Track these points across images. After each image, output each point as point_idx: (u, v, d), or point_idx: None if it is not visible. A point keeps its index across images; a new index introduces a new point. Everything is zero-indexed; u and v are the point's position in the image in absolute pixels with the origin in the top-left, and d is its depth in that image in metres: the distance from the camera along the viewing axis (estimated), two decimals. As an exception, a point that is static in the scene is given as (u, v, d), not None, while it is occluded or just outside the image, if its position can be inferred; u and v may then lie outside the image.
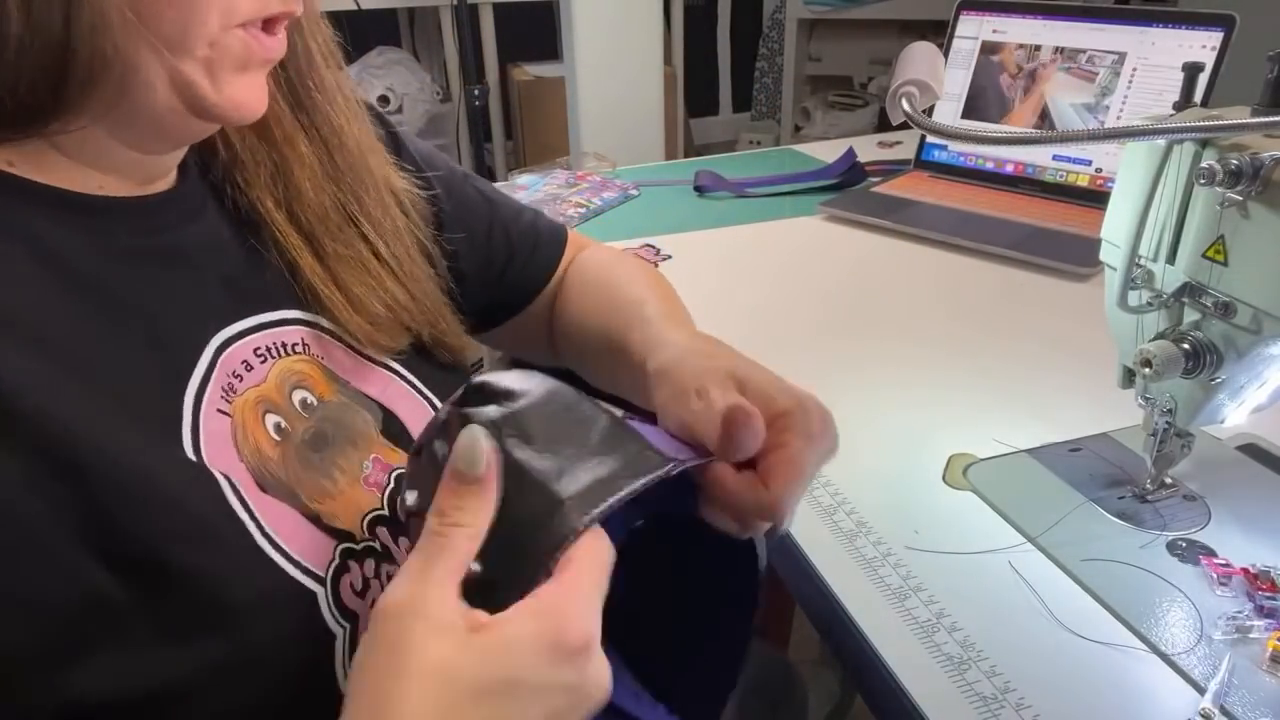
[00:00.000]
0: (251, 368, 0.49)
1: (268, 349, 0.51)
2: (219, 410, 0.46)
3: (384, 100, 2.80)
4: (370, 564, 0.48)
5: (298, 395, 0.50)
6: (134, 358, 0.43)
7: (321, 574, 0.45)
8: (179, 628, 0.39)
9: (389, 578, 0.43)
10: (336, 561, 0.46)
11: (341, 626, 0.45)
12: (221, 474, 0.43)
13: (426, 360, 0.59)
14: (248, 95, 0.45)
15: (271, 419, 0.49)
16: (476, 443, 0.37)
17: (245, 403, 0.48)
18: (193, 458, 0.43)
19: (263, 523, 0.44)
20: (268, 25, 0.45)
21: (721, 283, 0.98)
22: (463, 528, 0.36)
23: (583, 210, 1.26)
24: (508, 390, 0.41)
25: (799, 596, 0.59)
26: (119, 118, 0.43)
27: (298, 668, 0.43)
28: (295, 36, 0.53)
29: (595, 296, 0.69)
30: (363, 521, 0.49)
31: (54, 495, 0.37)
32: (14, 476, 0.36)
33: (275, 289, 0.52)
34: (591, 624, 0.35)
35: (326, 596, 0.45)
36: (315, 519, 0.46)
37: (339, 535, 0.47)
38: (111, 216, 0.46)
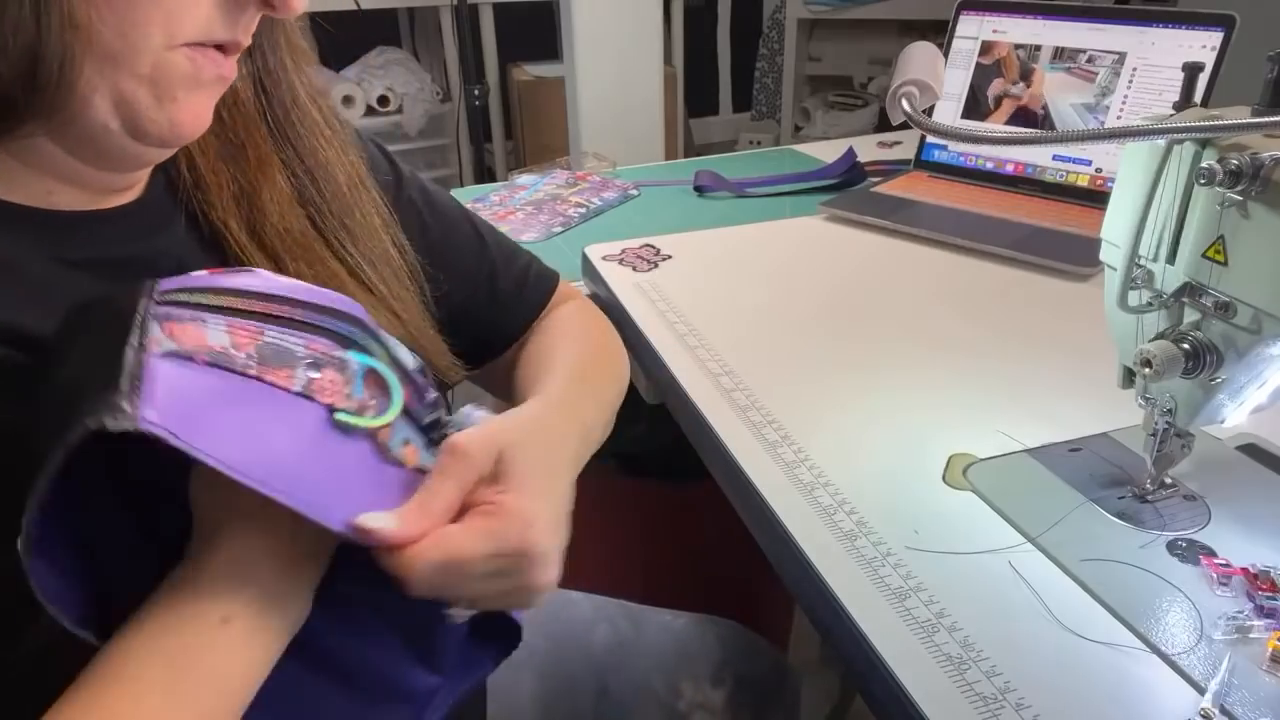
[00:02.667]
0: None
1: None
2: None
3: (384, 100, 2.80)
4: None
5: None
6: None
7: None
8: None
9: None
10: None
11: None
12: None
13: None
14: (189, 116, 0.45)
15: None
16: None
17: None
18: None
19: None
20: (221, 48, 0.45)
21: (721, 283, 0.98)
22: None
23: (583, 210, 1.26)
24: None
25: (799, 596, 0.59)
26: (62, 130, 0.43)
27: None
28: (280, 73, 0.54)
29: (531, 360, 0.69)
30: None
31: None
32: None
33: None
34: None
35: None
36: None
37: None
38: (64, 229, 0.46)
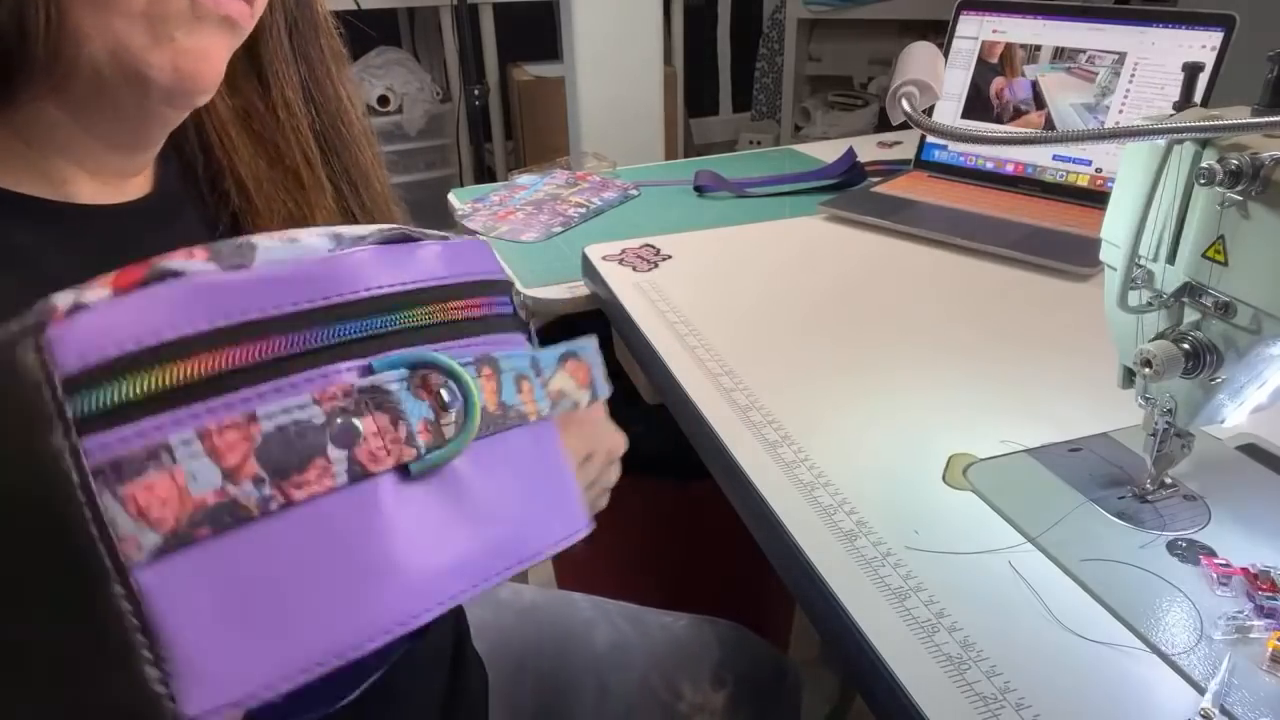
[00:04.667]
0: None
1: None
2: None
3: (384, 100, 2.80)
4: None
5: None
6: None
7: None
8: None
9: None
10: None
11: None
12: None
13: None
14: (195, 62, 0.42)
15: None
16: None
17: None
18: None
19: None
20: None
21: (721, 283, 0.98)
22: None
23: (583, 210, 1.26)
24: None
25: (799, 596, 0.59)
26: (65, 91, 0.41)
27: None
28: (327, 81, 0.54)
29: None
30: None
31: None
32: None
33: None
34: None
35: None
36: None
37: None
38: (82, 225, 0.45)
